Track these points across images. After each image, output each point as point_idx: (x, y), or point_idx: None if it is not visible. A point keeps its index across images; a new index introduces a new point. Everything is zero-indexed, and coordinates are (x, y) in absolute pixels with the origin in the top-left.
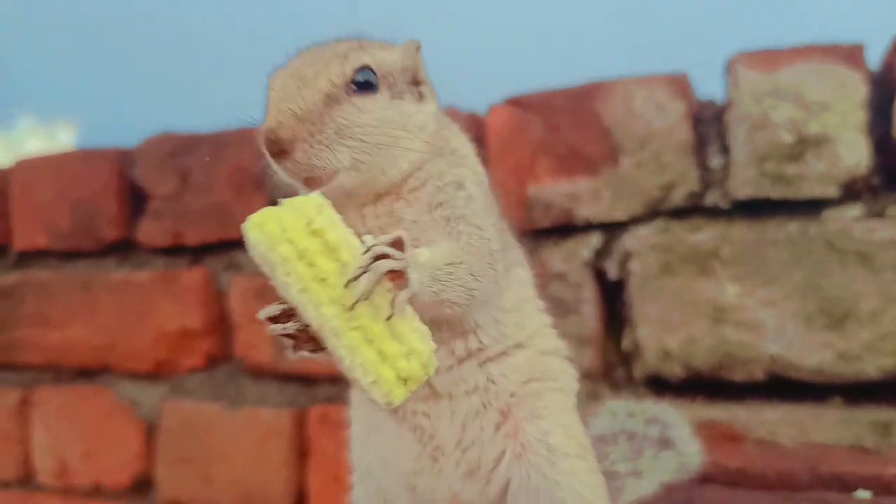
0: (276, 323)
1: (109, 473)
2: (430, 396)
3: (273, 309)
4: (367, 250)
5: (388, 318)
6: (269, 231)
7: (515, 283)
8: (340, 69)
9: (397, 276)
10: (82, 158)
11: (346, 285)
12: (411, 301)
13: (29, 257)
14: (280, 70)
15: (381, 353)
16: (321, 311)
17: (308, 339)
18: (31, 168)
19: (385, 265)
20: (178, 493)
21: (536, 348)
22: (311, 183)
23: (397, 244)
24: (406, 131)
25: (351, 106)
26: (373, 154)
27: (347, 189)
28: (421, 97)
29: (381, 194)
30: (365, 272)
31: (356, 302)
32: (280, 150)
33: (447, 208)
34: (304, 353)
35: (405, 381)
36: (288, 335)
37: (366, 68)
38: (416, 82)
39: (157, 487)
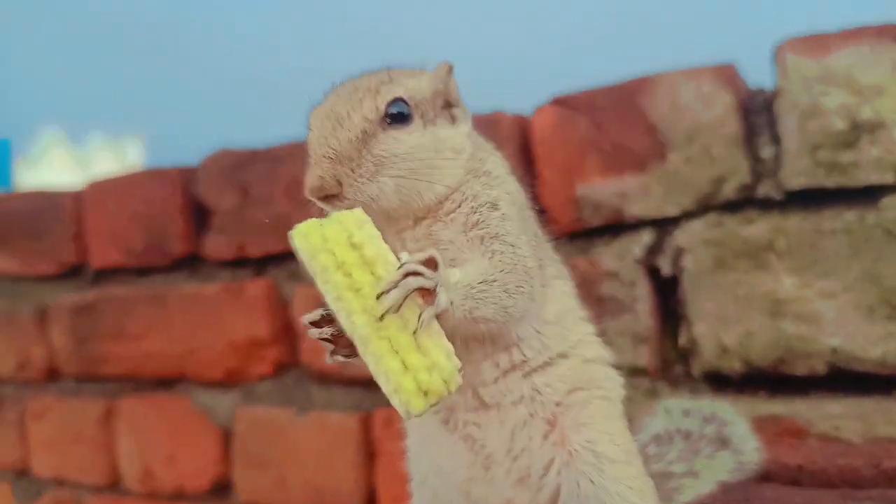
0: (316, 327)
1: (190, 478)
2: (479, 407)
3: (315, 314)
4: (401, 266)
5: (414, 332)
6: (313, 242)
7: (556, 295)
8: (373, 104)
9: (427, 293)
10: (148, 178)
11: (378, 297)
12: (441, 318)
13: (105, 275)
14: (316, 109)
15: (404, 363)
16: (352, 319)
17: (345, 344)
18: (102, 189)
19: (414, 282)
20: (256, 495)
21: (580, 357)
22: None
23: (430, 263)
24: (441, 156)
25: (387, 138)
26: (411, 181)
27: (386, 210)
28: (454, 119)
29: (419, 218)
30: (395, 287)
31: (385, 314)
32: (328, 197)
33: (482, 228)
34: (339, 358)
35: (425, 393)
36: (325, 339)
37: (398, 100)
38: (448, 105)
39: (236, 490)
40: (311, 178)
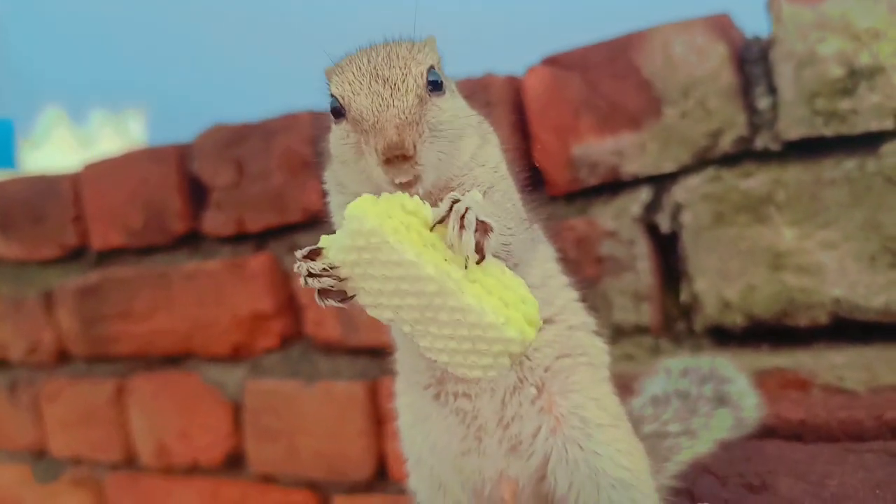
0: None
1: (204, 451)
2: None
3: (316, 264)
4: (453, 202)
5: (479, 262)
6: (376, 210)
7: (539, 259)
8: (419, 71)
9: (481, 225)
10: (144, 157)
11: (432, 229)
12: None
13: (107, 256)
14: (350, 70)
15: (502, 300)
16: (441, 269)
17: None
18: (99, 171)
19: (472, 215)
20: (269, 466)
21: (565, 323)
22: (408, 185)
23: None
24: (467, 124)
25: (434, 106)
26: (450, 150)
27: (429, 188)
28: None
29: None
30: (462, 227)
31: (480, 260)
32: (402, 157)
33: (483, 186)
34: (332, 303)
35: (529, 322)
36: (316, 283)
37: (433, 68)
38: None
39: (249, 462)
40: (389, 136)
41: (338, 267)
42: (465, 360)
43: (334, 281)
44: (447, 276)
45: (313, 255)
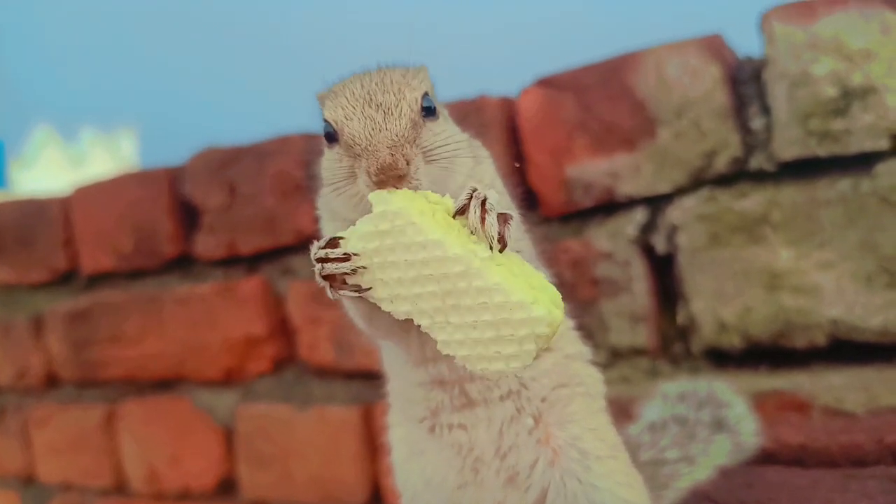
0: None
1: (196, 477)
2: (466, 406)
3: (336, 251)
4: (473, 191)
5: (502, 249)
6: (401, 194)
7: None
8: (413, 97)
9: (500, 215)
10: (134, 180)
11: (455, 216)
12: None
13: (98, 280)
14: (343, 95)
15: (528, 282)
16: (467, 248)
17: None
18: (89, 194)
19: (493, 201)
20: (261, 492)
21: (562, 352)
22: None
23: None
24: (461, 148)
25: (427, 131)
26: (445, 173)
27: None
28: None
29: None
30: (486, 213)
31: (502, 246)
32: (397, 178)
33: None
34: (346, 293)
35: (556, 305)
36: (328, 276)
37: (426, 95)
38: None
39: (242, 488)
40: (382, 157)
41: (357, 255)
42: (487, 351)
43: (351, 269)
44: (473, 254)
45: (332, 244)
